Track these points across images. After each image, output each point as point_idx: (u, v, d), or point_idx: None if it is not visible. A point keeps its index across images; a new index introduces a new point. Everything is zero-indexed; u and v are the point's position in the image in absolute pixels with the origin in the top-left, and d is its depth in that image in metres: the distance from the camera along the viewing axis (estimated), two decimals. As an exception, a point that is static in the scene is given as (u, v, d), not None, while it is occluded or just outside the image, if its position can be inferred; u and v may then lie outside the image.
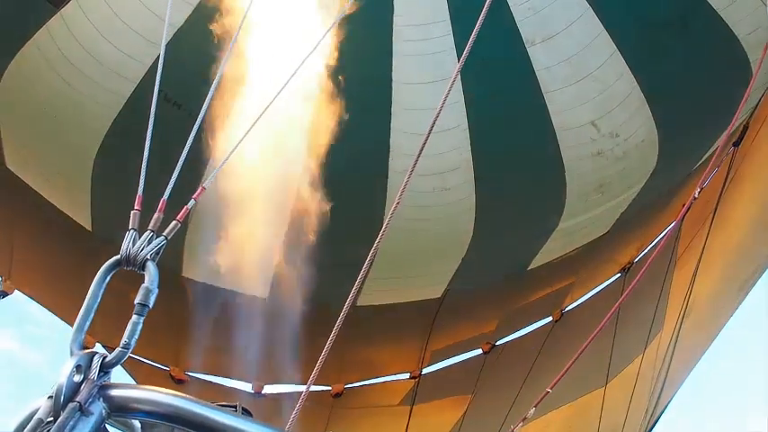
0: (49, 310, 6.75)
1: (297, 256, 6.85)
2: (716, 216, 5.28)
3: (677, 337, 4.46)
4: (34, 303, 6.79)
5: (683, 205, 5.22)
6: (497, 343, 7.25)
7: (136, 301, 1.64)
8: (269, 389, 7.42)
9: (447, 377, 7.26)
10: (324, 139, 6.50)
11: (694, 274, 4.88)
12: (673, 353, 4.36)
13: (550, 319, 7.24)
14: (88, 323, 1.63)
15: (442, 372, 7.34)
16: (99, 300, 1.66)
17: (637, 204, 7.12)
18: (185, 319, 6.86)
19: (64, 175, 6.85)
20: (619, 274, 6.94)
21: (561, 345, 6.39)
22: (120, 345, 1.58)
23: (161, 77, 2.59)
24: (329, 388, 7.51)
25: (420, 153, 3.00)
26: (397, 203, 2.68)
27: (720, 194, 5.35)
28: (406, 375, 7.34)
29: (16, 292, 6.40)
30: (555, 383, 3.62)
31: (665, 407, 4.16)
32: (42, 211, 6.64)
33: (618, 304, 3.49)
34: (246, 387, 7.48)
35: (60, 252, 6.90)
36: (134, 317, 1.63)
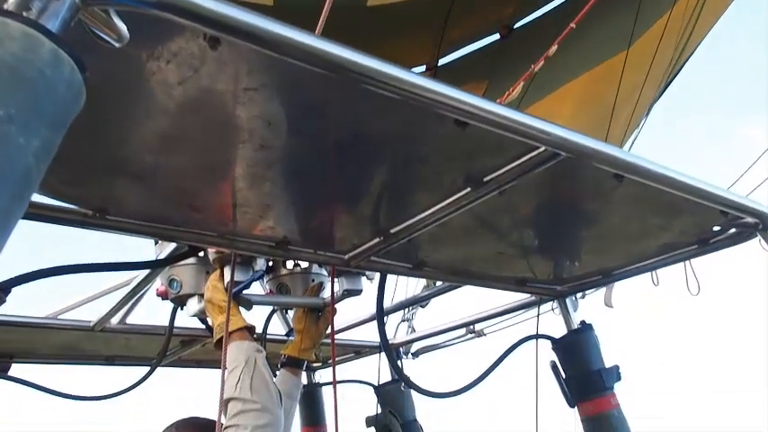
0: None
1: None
2: None
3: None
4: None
5: None
6: (515, 26, 6.98)
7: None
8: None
9: (464, 65, 7.16)
10: None
11: None
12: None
13: (571, -4, 6.82)
14: None
15: (458, 61, 7.23)
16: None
17: None
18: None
19: None
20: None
21: (581, 20, 6.13)
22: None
23: None
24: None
25: None
26: None
27: None
28: (422, 68, 7.24)
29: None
30: (579, 18, 3.49)
31: (692, 53, 4.08)
32: None
33: None
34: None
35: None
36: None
